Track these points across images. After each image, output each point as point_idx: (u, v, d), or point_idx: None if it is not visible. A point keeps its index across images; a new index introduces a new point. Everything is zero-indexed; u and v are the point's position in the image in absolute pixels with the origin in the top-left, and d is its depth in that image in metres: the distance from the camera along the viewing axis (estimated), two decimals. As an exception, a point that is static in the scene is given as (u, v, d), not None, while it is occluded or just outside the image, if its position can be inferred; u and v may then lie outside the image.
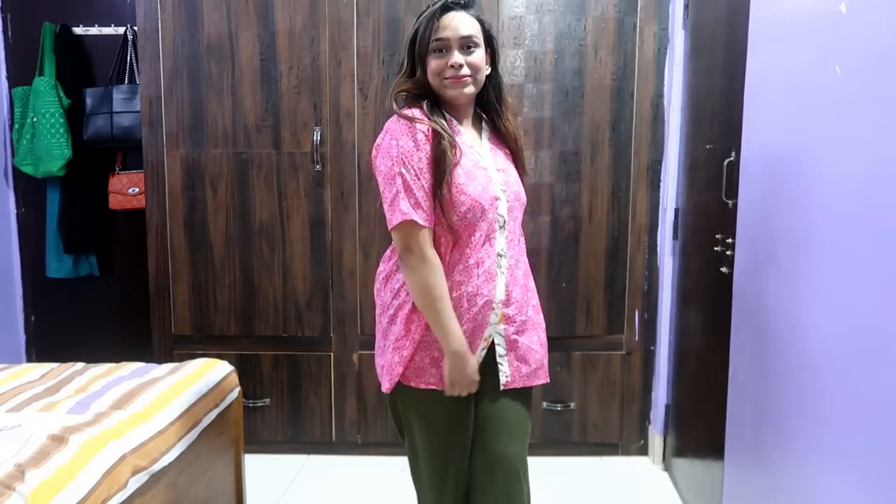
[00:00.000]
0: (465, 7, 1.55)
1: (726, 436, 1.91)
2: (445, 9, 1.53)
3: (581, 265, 2.75)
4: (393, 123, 1.54)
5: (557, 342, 2.80)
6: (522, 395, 1.62)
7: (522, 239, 1.66)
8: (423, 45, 1.53)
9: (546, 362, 1.66)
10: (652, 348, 2.81)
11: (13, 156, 3.07)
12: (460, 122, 1.60)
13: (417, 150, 1.50)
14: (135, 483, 1.58)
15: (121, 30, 3.03)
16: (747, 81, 1.80)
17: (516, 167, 1.66)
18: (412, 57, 1.55)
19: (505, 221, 1.57)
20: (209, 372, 2.08)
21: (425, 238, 1.51)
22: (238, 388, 2.19)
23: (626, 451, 2.87)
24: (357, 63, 2.68)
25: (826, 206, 1.38)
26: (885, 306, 1.16)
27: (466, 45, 1.53)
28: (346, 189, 2.74)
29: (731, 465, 1.90)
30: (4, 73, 3.16)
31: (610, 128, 2.69)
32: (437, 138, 1.51)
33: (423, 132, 1.51)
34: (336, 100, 2.70)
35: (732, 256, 1.90)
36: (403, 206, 1.50)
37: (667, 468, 2.74)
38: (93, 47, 3.11)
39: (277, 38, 2.68)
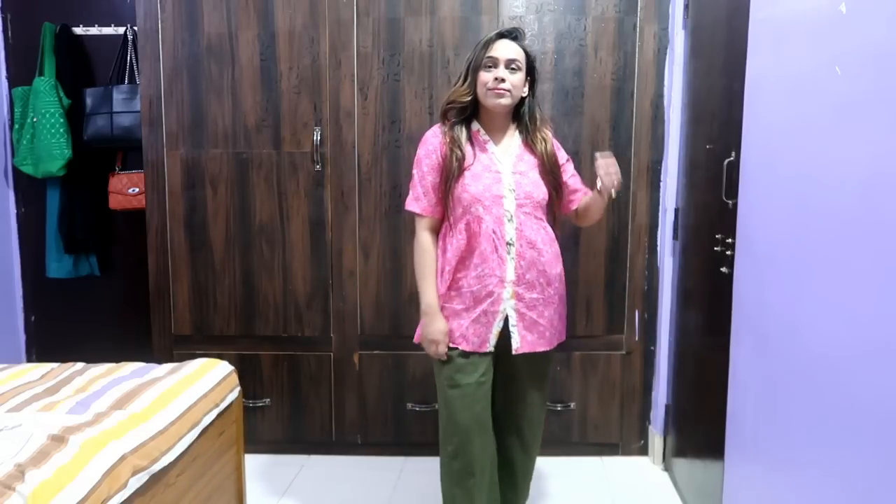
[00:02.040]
0: (515, 38, 1.93)
1: (726, 436, 1.91)
2: (500, 36, 1.92)
3: (581, 265, 2.75)
4: (428, 131, 2.01)
5: (557, 342, 2.80)
6: (533, 357, 1.99)
7: (546, 231, 1.98)
8: (477, 61, 1.91)
9: (553, 333, 2.01)
10: (652, 348, 2.81)
11: (13, 156, 3.07)
12: (491, 131, 1.98)
13: (429, 156, 1.96)
14: (135, 483, 1.58)
15: (121, 30, 3.03)
16: (747, 81, 1.80)
17: (544, 173, 1.97)
18: (467, 69, 1.93)
19: (512, 216, 1.92)
20: (209, 372, 2.08)
21: (421, 223, 1.99)
22: (238, 388, 2.19)
23: (626, 451, 2.87)
24: (357, 63, 2.68)
25: (826, 206, 1.38)
26: (885, 306, 1.16)
27: (510, 66, 1.89)
28: (346, 189, 2.74)
29: (731, 465, 1.90)
30: (4, 73, 3.16)
31: (610, 128, 2.69)
32: (450, 148, 1.92)
33: (437, 142, 1.95)
34: (336, 100, 2.70)
35: (732, 256, 1.90)
36: (409, 197, 2.00)
37: (667, 468, 2.74)
38: (93, 47, 3.11)
39: (277, 38, 2.68)
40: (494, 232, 1.91)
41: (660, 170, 2.72)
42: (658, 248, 2.76)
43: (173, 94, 2.73)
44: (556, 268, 2.00)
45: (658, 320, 2.77)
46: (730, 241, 1.93)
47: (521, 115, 1.98)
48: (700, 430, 2.30)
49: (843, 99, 1.32)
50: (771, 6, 1.68)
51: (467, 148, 1.94)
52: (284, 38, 2.68)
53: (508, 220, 1.92)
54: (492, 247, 1.91)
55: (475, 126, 1.97)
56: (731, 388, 1.89)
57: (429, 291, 1.96)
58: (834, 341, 1.33)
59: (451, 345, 1.96)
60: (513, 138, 1.99)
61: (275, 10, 2.67)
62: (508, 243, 1.92)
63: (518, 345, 1.94)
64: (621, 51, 2.66)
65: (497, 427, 2.07)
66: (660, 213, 2.74)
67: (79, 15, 3.08)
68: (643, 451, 2.87)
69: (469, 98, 1.92)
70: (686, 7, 2.54)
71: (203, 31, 2.69)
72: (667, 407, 2.72)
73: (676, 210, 2.64)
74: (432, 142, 1.97)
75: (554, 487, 2.63)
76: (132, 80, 3.00)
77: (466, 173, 1.92)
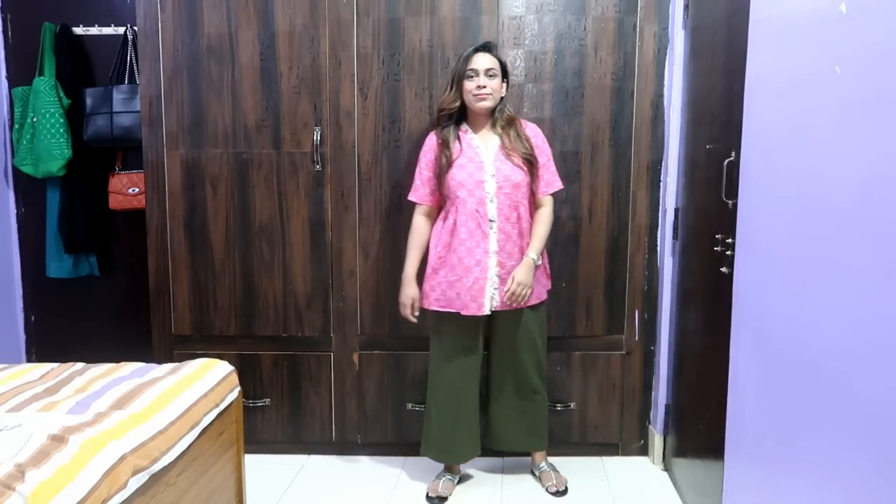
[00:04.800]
0: (489, 50, 2.39)
1: (726, 436, 1.91)
2: (477, 50, 2.37)
3: (581, 265, 2.75)
4: (428, 135, 2.49)
5: (557, 342, 2.79)
6: (518, 313, 2.45)
7: (523, 208, 2.39)
8: (461, 73, 2.37)
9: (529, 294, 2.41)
10: (652, 348, 2.81)
11: (13, 156, 3.07)
12: (476, 128, 2.44)
13: (425, 155, 2.46)
14: (135, 483, 1.58)
15: (121, 30, 3.03)
16: (747, 81, 1.80)
17: (519, 159, 2.37)
18: (453, 80, 2.40)
19: (493, 196, 2.35)
20: (209, 372, 2.08)
21: (417, 210, 2.48)
22: (238, 388, 2.19)
23: (626, 451, 2.87)
24: (357, 63, 2.68)
25: (826, 206, 1.38)
26: (885, 306, 1.16)
27: (488, 73, 2.35)
28: (346, 189, 2.74)
29: (731, 465, 1.90)
30: (4, 73, 3.16)
31: (610, 128, 2.69)
32: (440, 148, 2.40)
33: (432, 143, 2.45)
34: (336, 100, 2.70)
35: (732, 256, 1.90)
36: (411, 189, 2.48)
37: (667, 468, 2.74)
38: (93, 47, 3.11)
39: (277, 38, 2.68)
40: (478, 211, 2.34)
41: (660, 170, 2.72)
42: (658, 248, 2.76)
43: (173, 94, 2.72)
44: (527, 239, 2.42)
45: (658, 320, 2.77)
46: (730, 241, 1.93)
47: (497, 114, 2.40)
48: (700, 430, 2.30)
49: (844, 99, 1.32)
50: (771, 6, 1.68)
51: (455, 144, 2.39)
52: (284, 38, 2.68)
53: (490, 201, 2.35)
54: (476, 224, 2.34)
55: (463, 126, 2.43)
56: (731, 388, 1.89)
57: (409, 264, 2.45)
58: (834, 341, 1.33)
59: (451, 309, 2.40)
60: (493, 133, 2.41)
61: (275, 10, 2.67)
62: (491, 220, 2.35)
63: (497, 303, 2.38)
64: (621, 51, 2.66)
65: (495, 375, 2.57)
66: (660, 213, 2.74)
67: (79, 15, 3.07)
68: (643, 451, 2.87)
69: (457, 104, 2.39)
70: (686, 7, 2.54)
71: (203, 31, 2.69)
72: (667, 407, 2.72)
73: (676, 210, 2.64)
74: (428, 143, 2.46)
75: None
76: (132, 80, 3.00)
77: (454, 164, 2.37)
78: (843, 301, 1.30)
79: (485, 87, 2.33)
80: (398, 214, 2.73)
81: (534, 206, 2.44)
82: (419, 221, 2.46)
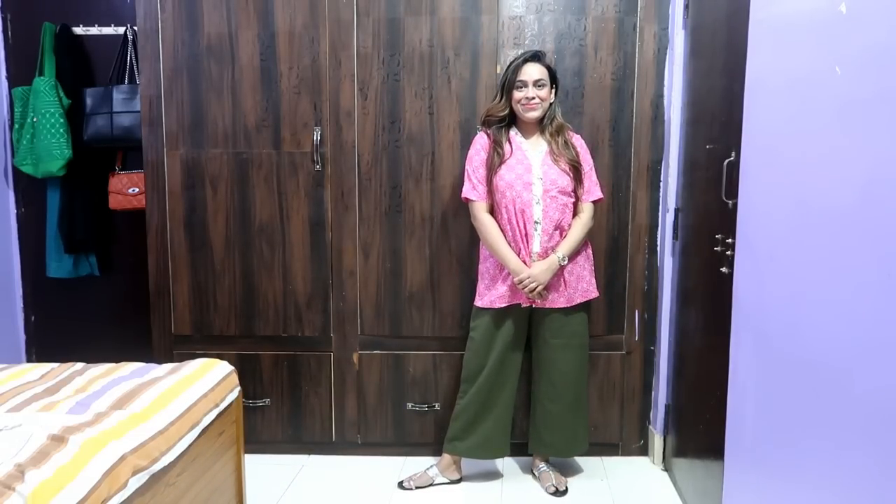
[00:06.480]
0: (538, 60, 2.41)
1: (726, 436, 1.91)
2: (526, 60, 2.39)
3: (581, 265, 2.75)
4: (476, 136, 2.52)
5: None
6: (556, 312, 2.49)
7: (568, 212, 2.44)
8: (510, 82, 2.40)
9: (574, 292, 2.48)
10: (652, 348, 2.81)
11: (13, 156, 3.07)
12: (525, 133, 2.48)
13: (478, 154, 2.46)
14: (135, 483, 1.58)
15: (121, 30, 3.03)
16: (747, 81, 1.80)
17: (566, 165, 2.42)
18: (502, 89, 2.43)
19: (539, 199, 2.39)
20: (209, 372, 2.08)
21: (479, 207, 2.45)
22: (238, 388, 2.19)
23: (626, 451, 2.87)
24: (357, 63, 2.68)
25: (826, 205, 1.38)
26: (885, 306, 1.16)
27: (537, 84, 2.38)
28: (346, 189, 2.74)
29: (731, 465, 1.90)
30: (4, 73, 3.16)
31: (610, 128, 2.69)
32: (493, 146, 2.43)
33: (484, 142, 2.46)
34: (336, 100, 2.70)
35: (732, 256, 1.90)
36: (465, 188, 2.48)
37: (667, 468, 2.74)
38: (93, 47, 3.11)
39: (277, 38, 2.68)
40: (524, 212, 2.39)
41: (660, 170, 2.72)
42: (658, 248, 2.76)
43: (173, 94, 2.72)
44: None
45: (658, 320, 2.77)
46: (730, 241, 1.93)
47: (545, 120, 2.44)
48: (700, 430, 2.30)
49: (844, 99, 1.32)
50: (771, 6, 1.68)
51: (506, 146, 2.42)
52: (284, 38, 2.68)
53: (536, 203, 2.39)
54: (522, 224, 2.39)
55: (513, 130, 2.47)
56: (731, 388, 1.89)
57: (508, 255, 2.40)
58: (834, 341, 1.33)
59: (488, 306, 2.47)
60: (542, 138, 2.46)
61: (275, 10, 2.67)
62: (536, 222, 2.39)
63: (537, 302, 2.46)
64: (621, 51, 2.66)
65: (533, 375, 2.62)
66: (660, 213, 2.74)
67: (79, 15, 3.07)
68: (643, 451, 2.87)
69: (505, 112, 2.43)
70: (686, 7, 2.54)
71: (203, 31, 2.69)
72: (667, 407, 2.72)
73: (676, 210, 2.64)
74: (480, 142, 2.47)
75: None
76: (132, 80, 3.00)
77: (503, 165, 2.41)
78: (843, 300, 1.30)
79: (533, 98, 2.37)
80: (398, 214, 2.73)
81: (576, 212, 2.48)
82: (489, 218, 2.44)
